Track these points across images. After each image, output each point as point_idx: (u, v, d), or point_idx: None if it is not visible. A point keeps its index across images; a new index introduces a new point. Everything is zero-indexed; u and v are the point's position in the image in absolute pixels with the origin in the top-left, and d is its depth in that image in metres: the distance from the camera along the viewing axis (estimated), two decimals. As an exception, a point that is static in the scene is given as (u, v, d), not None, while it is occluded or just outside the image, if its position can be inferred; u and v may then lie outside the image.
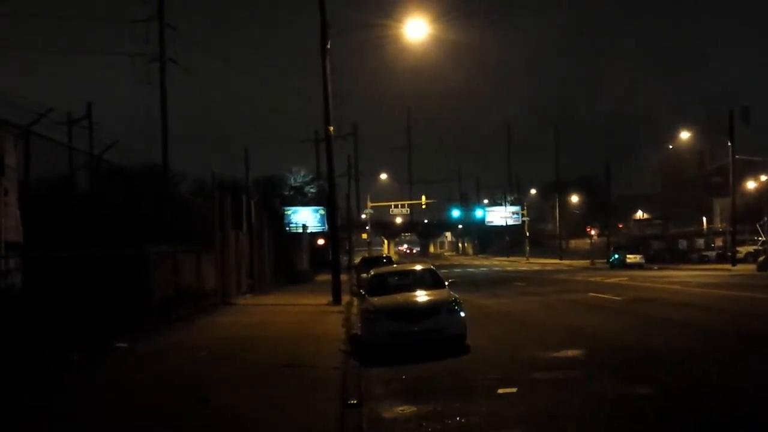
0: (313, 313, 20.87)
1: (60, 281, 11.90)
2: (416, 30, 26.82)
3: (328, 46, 24.78)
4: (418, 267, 18.35)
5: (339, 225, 29.15)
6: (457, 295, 14.86)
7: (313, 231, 58.98)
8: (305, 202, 68.03)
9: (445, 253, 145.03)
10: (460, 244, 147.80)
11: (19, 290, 11.85)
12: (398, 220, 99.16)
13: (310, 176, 71.92)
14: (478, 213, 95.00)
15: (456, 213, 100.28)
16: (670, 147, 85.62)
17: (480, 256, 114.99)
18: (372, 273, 17.83)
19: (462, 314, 14.04)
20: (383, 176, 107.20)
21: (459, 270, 59.40)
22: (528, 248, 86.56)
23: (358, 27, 26.01)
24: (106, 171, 16.02)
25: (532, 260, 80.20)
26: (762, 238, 52.88)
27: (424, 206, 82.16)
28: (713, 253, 58.69)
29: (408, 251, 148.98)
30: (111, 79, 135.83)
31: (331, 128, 25.19)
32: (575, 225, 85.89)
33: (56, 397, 9.69)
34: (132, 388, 10.23)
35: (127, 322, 14.36)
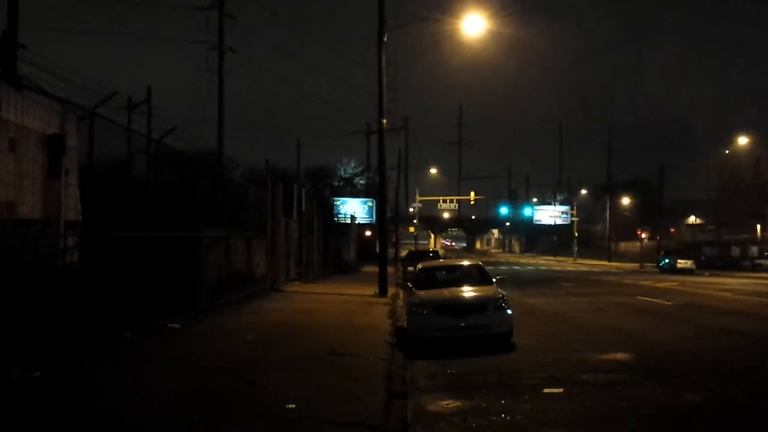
0: (359, 304, 21.01)
1: (116, 260, 12.17)
2: (473, 25, 26.63)
3: (385, 40, 24.84)
4: (466, 263, 18.34)
5: (387, 217, 29.18)
6: (504, 293, 14.82)
7: (361, 222, 59.42)
8: (354, 194, 68.46)
9: (492, 250, 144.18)
10: (506, 242, 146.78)
11: (76, 267, 12.20)
12: (446, 215, 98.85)
13: (360, 168, 72.27)
14: (527, 211, 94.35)
15: (504, 210, 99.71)
16: (726, 152, 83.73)
17: (527, 254, 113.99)
18: (420, 266, 17.84)
19: (509, 312, 14.00)
20: (433, 170, 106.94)
21: (505, 267, 59.07)
22: (576, 249, 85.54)
23: (415, 21, 26.13)
24: (164, 155, 16.38)
25: (579, 261, 79.31)
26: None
27: (472, 202, 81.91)
28: (767, 262, 57.36)
29: (450, 245, 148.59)
30: (172, 65, 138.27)
31: (384, 121, 25.28)
32: (625, 227, 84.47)
33: (109, 370, 9.97)
34: (182, 367, 10.46)
35: (180, 302, 14.66)
